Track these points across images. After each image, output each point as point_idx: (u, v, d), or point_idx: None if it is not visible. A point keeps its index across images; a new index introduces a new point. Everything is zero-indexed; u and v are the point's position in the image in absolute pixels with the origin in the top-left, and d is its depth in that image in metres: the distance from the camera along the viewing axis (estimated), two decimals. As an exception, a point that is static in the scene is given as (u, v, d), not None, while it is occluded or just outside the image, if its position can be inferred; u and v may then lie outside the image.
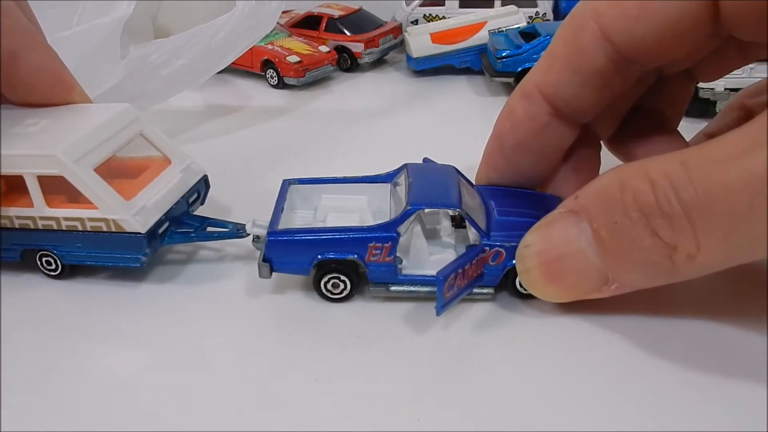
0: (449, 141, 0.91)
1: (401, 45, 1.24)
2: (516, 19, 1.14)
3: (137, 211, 0.57)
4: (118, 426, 0.45)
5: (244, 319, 0.56)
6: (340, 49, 1.19)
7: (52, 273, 0.61)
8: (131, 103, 0.64)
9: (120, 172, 0.60)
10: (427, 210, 0.56)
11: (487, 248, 0.54)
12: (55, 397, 0.48)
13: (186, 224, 0.63)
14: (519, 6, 1.17)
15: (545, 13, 1.24)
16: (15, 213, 0.59)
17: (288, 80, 1.11)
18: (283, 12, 1.32)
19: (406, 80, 1.17)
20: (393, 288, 0.56)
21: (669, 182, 0.42)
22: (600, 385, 0.48)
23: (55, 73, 0.63)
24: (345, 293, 0.57)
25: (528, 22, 1.17)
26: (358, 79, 1.18)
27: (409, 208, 0.54)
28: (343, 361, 0.51)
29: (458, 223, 0.60)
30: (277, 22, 1.21)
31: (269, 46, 1.13)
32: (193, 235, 0.62)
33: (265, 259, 0.56)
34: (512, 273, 0.55)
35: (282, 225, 0.58)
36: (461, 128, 0.96)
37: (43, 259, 0.61)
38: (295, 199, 0.63)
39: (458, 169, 0.61)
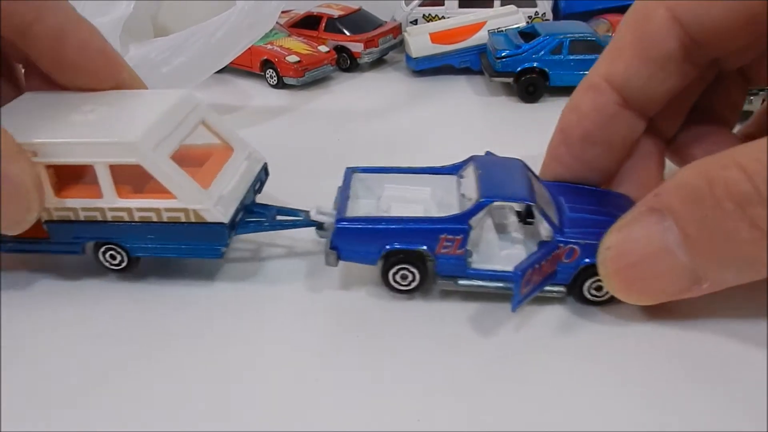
0: (449, 141, 0.91)
1: (401, 45, 1.24)
2: (515, 19, 1.14)
3: (217, 200, 0.55)
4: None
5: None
6: (340, 49, 1.19)
7: (116, 267, 0.59)
8: None
9: (185, 161, 0.56)
10: (495, 204, 0.55)
11: (561, 245, 0.52)
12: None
13: (256, 213, 0.61)
14: (518, 6, 1.18)
15: (545, 13, 1.24)
16: (81, 204, 0.56)
17: (287, 80, 1.11)
18: (283, 12, 1.32)
19: (405, 80, 1.17)
20: (461, 282, 0.54)
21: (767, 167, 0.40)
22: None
23: (104, 50, 0.61)
24: (413, 285, 0.55)
25: (527, 22, 1.17)
26: (358, 79, 1.18)
27: (483, 200, 0.53)
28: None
29: (524, 218, 0.58)
30: (277, 22, 1.21)
31: (269, 46, 1.13)
32: (266, 224, 0.60)
33: (332, 247, 0.55)
34: (584, 274, 0.53)
35: (350, 212, 0.57)
36: (461, 128, 0.96)
37: (107, 253, 0.58)
38: (358, 187, 0.62)
39: (523, 161, 0.60)
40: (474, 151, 0.87)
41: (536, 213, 0.53)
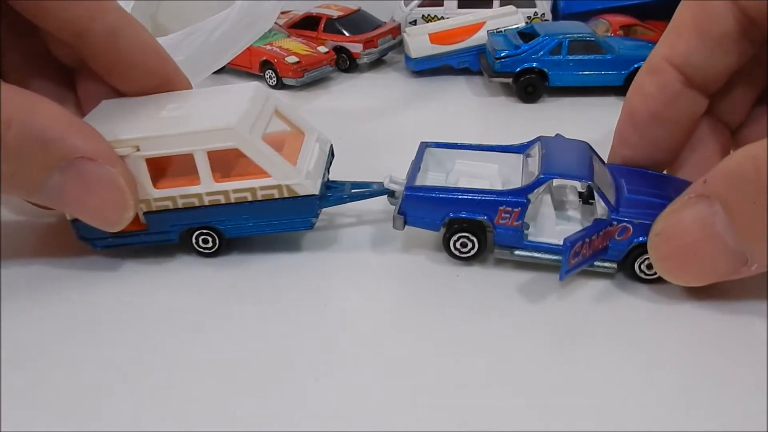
0: (448, 141, 0.91)
1: (400, 45, 1.24)
2: (515, 19, 1.14)
3: (306, 175, 0.59)
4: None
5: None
6: (339, 50, 1.19)
7: (207, 251, 0.62)
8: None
9: (268, 142, 0.60)
10: (556, 183, 0.58)
11: (615, 222, 0.55)
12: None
13: (333, 189, 0.65)
14: (517, 6, 1.18)
15: (544, 14, 1.24)
16: (180, 192, 0.59)
17: (287, 81, 1.11)
18: (282, 12, 1.32)
19: (404, 80, 1.17)
20: (517, 252, 0.58)
21: None
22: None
23: (154, 47, 0.63)
24: (473, 252, 0.59)
25: (526, 23, 1.17)
26: (357, 79, 1.18)
27: (542, 176, 0.56)
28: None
29: (585, 199, 0.62)
30: (276, 23, 1.21)
31: (268, 47, 1.13)
32: (345, 196, 0.64)
33: (400, 212, 0.60)
34: (636, 252, 0.56)
35: (418, 181, 0.61)
36: (460, 128, 0.96)
37: (200, 238, 0.62)
38: (429, 161, 0.66)
39: (589, 144, 0.62)
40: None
41: (595, 192, 0.56)
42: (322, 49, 1.15)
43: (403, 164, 0.83)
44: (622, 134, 0.65)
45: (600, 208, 0.57)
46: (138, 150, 0.56)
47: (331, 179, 0.67)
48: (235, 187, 0.59)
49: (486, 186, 0.62)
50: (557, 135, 0.66)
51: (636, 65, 1.00)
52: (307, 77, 1.11)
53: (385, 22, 1.27)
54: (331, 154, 0.69)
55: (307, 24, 1.25)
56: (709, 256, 0.49)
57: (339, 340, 0.53)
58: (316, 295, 0.58)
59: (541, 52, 1.02)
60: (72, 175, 0.53)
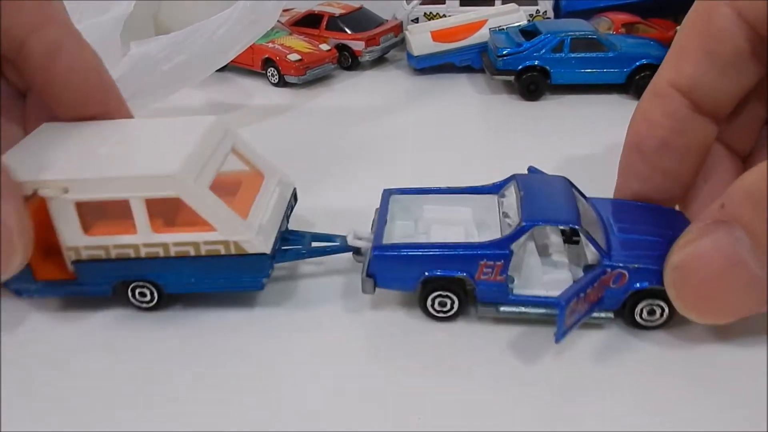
0: (450, 139, 0.92)
1: (402, 43, 1.24)
2: (517, 17, 1.14)
3: (257, 231, 0.53)
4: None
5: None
6: (341, 48, 1.19)
7: (145, 305, 0.56)
8: (132, 99, 0.63)
9: (218, 190, 0.54)
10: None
11: (609, 269, 0.50)
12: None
13: (291, 240, 0.59)
14: (519, 4, 1.17)
15: (546, 11, 1.24)
16: (113, 242, 0.53)
17: (289, 78, 1.11)
18: (284, 10, 1.32)
19: (406, 78, 1.17)
20: (503, 308, 0.53)
21: None
22: None
23: (97, 73, 0.58)
24: (452, 312, 0.54)
25: (529, 20, 1.17)
26: (359, 77, 1.18)
27: (524, 224, 0.51)
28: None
29: (569, 237, 0.56)
30: (278, 21, 1.21)
31: (270, 45, 1.13)
32: (303, 252, 0.59)
33: (368, 274, 0.54)
34: (633, 299, 0.51)
35: (386, 238, 0.55)
36: (462, 126, 0.96)
37: (137, 291, 0.55)
38: (395, 209, 0.60)
39: (568, 178, 0.58)
40: (473, 149, 0.88)
41: (582, 237, 0.51)
42: (324, 46, 1.16)
43: (404, 164, 0.83)
44: (630, 166, 0.59)
45: (590, 253, 0.52)
46: (66, 192, 0.50)
47: (291, 228, 0.61)
48: (176, 240, 0.52)
49: (460, 233, 0.57)
50: (531, 169, 0.62)
51: (638, 63, 1.01)
52: (309, 75, 1.11)
53: (387, 20, 1.27)
54: (294, 198, 0.63)
55: (309, 22, 1.25)
56: (738, 288, 0.44)
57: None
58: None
59: (543, 50, 1.02)
60: None
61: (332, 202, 0.72)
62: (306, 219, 0.68)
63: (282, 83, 1.12)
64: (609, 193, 0.69)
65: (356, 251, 0.58)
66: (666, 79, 0.55)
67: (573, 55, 1.02)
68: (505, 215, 0.56)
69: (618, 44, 1.02)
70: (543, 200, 0.54)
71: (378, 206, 0.60)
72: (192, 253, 0.53)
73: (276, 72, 1.12)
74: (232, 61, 0.97)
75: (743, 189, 0.44)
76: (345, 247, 0.59)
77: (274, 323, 0.55)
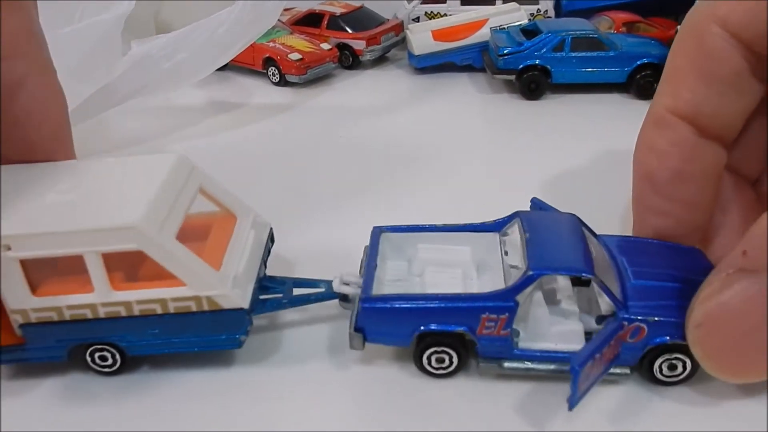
0: (451, 138, 0.91)
1: (403, 42, 1.23)
2: (518, 16, 1.14)
3: (233, 283, 0.48)
4: None
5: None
6: (342, 47, 1.19)
7: (107, 369, 0.50)
8: (133, 96, 0.62)
9: (185, 236, 0.48)
10: None
11: (626, 323, 0.45)
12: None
13: (271, 288, 0.54)
14: (520, 3, 1.17)
15: (546, 11, 1.24)
16: (67, 302, 0.47)
17: (290, 78, 1.11)
18: (285, 9, 1.32)
19: (407, 78, 1.17)
20: (507, 365, 0.48)
21: None
22: None
23: (56, 117, 0.52)
24: (451, 369, 0.49)
25: (529, 19, 1.17)
26: (360, 76, 1.18)
27: (531, 273, 0.46)
28: None
29: (577, 279, 0.51)
30: (279, 20, 1.21)
31: (271, 44, 1.13)
32: (284, 301, 0.53)
33: (357, 329, 0.48)
34: (652, 354, 0.47)
35: (377, 284, 0.50)
36: (463, 125, 0.96)
37: (96, 354, 0.49)
38: (386, 248, 0.55)
39: (577, 216, 0.53)
40: (473, 150, 0.88)
41: (595, 286, 0.47)
42: (325, 46, 1.16)
43: (404, 163, 0.83)
44: (645, 202, 0.56)
45: (603, 303, 0.48)
46: (9, 249, 0.44)
47: (269, 275, 0.55)
48: (140, 298, 0.46)
49: (458, 276, 0.52)
50: (535, 201, 0.58)
51: (639, 62, 1.00)
52: (310, 74, 1.11)
53: (388, 19, 1.27)
54: (271, 240, 0.57)
55: (310, 21, 1.25)
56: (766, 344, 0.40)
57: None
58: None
59: (544, 49, 1.02)
60: None
61: (331, 202, 0.72)
62: (306, 224, 0.68)
63: (283, 82, 1.12)
64: (610, 194, 0.69)
65: (343, 298, 0.52)
66: (665, 107, 0.53)
67: (574, 54, 1.02)
68: (507, 254, 0.53)
69: (619, 43, 1.02)
70: (551, 244, 0.49)
71: (367, 244, 0.55)
72: (159, 311, 0.47)
73: (277, 71, 1.12)
74: (233, 60, 0.97)
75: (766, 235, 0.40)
76: (330, 294, 0.53)
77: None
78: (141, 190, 0.47)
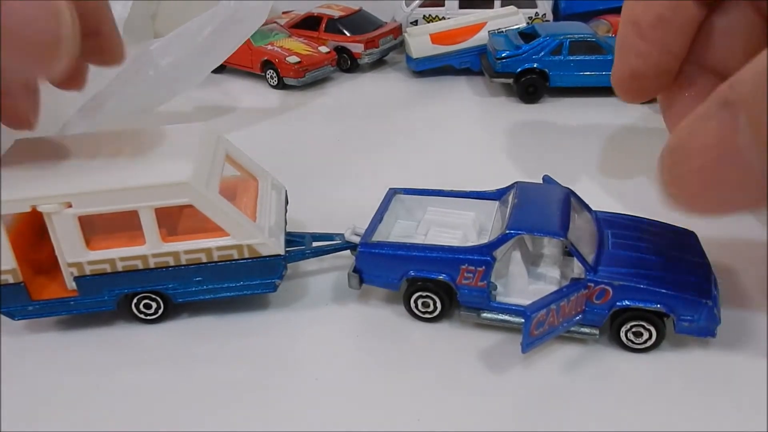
0: (449, 141, 0.91)
1: (401, 46, 1.24)
2: (516, 19, 1.14)
3: (269, 232, 0.53)
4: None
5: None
6: (340, 50, 1.19)
7: (150, 317, 0.55)
8: (127, 106, 0.62)
9: (222, 192, 0.53)
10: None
11: (592, 284, 0.49)
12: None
13: (294, 242, 0.59)
14: (519, 7, 1.18)
15: (545, 14, 1.24)
16: (120, 254, 0.51)
17: (288, 81, 1.11)
18: (283, 12, 1.32)
19: (405, 81, 1.17)
20: (484, 315, 0.53)
21: None
22: None
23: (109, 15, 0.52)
24: (435, 313, 0.54)
25: (528, 23, 1.17)
26: (358, 79, 1.18)
27: (507, 232, 0.51)
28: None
29: (568, 252, 0.55)
30: (277, 23, 1.21)
31: (269, 47, 1.14)
32: (308, 252, 0.59)
33: (355, 270, 0.55)
34: (620, 318, 0.50)
35: (381, 235, 0.56)
36: (461, 129, 0.96)
37: (142, 303, 0.54)
38: (399, 209, 0.61)
39: (573, 191, 0.57)
40: (474, 150, 0.88)
41: (568, 247, 0.51)
42: (324, 49, 1.16)
43: (402, 166, 0.83)
44: (627, 43, 0.59)
45: (577, 267, 0.51)
46: (70, 207, 0.48)
47: (291, 231, 0.60)
48: (188, 248, 0.51)
49: (458, 237, 0.57)
50: (546, 178, 0.61)
51: (637, 66, 1.00)
52: (308, 77, 1.11)
53: (386, 23, 1.27)
54: (286, 200, 0.63)
55: (308, 24, 1.25)
56: (730, 181, 0.41)
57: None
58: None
59: (542, 53, 1.02)
60: None
61: (330, 204, 0.72)
62: (304, 221, 0.68)
63: (281, 85, 1.12)
64: (610, 195, 0.69)
65: (355, 247, 0.58)
66: None
67: (572, 57, 1.02)
68: (501, 222, 0.56)
69: (617, 47, 1.02)
70: (534, 210, 0.53)
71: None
72: (204, 259, 0.52)
73: (275, 74, 1.12)
74: (231, 63, 0.97)
75: (754, 70, 0.39)
76: (346, 245, 0.59)
77: (284, 323, 0.56)
78: (184, 152, 0.51)
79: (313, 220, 0.68)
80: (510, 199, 0.56)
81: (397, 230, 0.60)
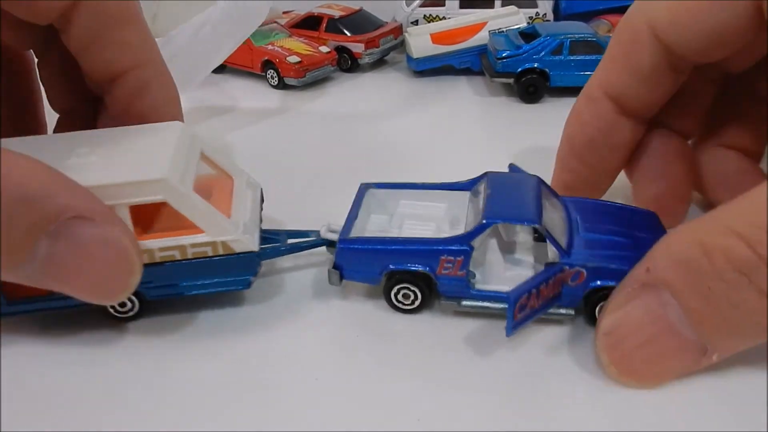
0: (449, 141, 0.91)
1: (401, 45, 1.24)
2: (516, 19, 1.14)
3: (243, 229, 0.53)
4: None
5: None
6: (341, 50, 1.19)
7: (124, 315, 0.55)
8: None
9: (197, 193, 0.54)
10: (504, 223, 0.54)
11: (567, 267, 0.51)
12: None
13: (269, 239, 0.59)
14: (519, 6, 1.18)
15: (545, 14, 1.24)
16: None
17: (288, 81, 1.11)
18: (284, 12, 1.32)
19: (406, 81, 1.17)
20: (464, 303, 0.54)
21: (766, 232, 0.39)
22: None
23: (174, 109, 0.61)
24: (416, 304, 0.55)
25: (528, 23, 1.17)
26: (359, 79, 1.18)
27: (485, 221, 0.52)
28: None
29: (540, 236, 0.56)
30: (278, 23, 1.21)
31: (270, 47, 1.14)
32: (282, 248, 0.59)
33: (335, 267, 0.56)
34: (593, 297, 0.52)
35: (356, 231, 0.57)
36: (461, 128, 0.96)
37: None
38: (371, 203, 0.62)
39: (541, 178, 0.59)
40: (474, 150, 0.88)
41: (543, 234, 0.52)
42: (324, 49, 1.16)
43: (402, 166, 0.83)
44: (563, 159, 0.66)
45: (552, 252, 0.53)
46: None
47: (266, 228, 0.61)
48: (162, 245, 0.51)
49: (432, 229, 0.58)
50: (512, 167, 0.64)
51: (637, 65, 1.00)
52: (308, 77, 1.11)
53: (387, 22, 1.27)
54: (262, 198, 0.63)
55: (308, 24, 1.25)
56: (668, 353, 0.45)
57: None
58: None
59: (543, 53, 1.02)
60: (66, 240, 0.43)
61: (331, 203, 0.72)
62: (303, 219, 0.68)
63: (281, 85, 1.12)
64: (609, 196, 0.69)
65: (331, 244, 0.58)
66: (597, 83, 0.62)
67: (572, 57, 1.02)
68: (474, 212, 0.57)
69: (617, 47, 1.02)
70: (508, 199, 0.54)
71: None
72: (178, 256, 0.52)
73: (275, 74, 1.12)
74: (231, 63, 0.97)
75: (670, 255, 0.45)
76: (321, 241, 0.59)
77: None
78: (159, 150, 0.52)
79: (312, 218, 0.68)
80: (482, 189, 0.57)
81: (372, 225, 0.60)
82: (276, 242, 0.59)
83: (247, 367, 0.51)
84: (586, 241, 0.53)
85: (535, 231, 0.56)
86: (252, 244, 0.53)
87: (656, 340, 0.45)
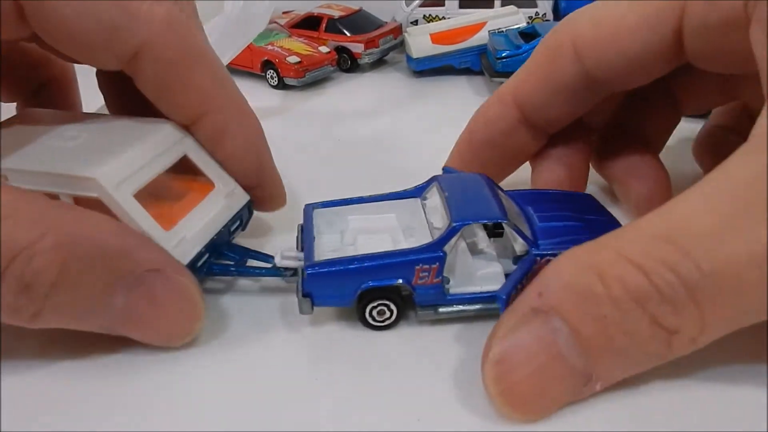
0: (449, 141, 0.91)
1: (401, 45, 1.24)
2: (516, 19, 1.14)
3: (177, 243, 0.52)
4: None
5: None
6: (340, 50, 1.19)
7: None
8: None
9: (163, 194, 0.53)
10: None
11: (539, 258, 0.52)
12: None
13: (226, 255, 0.58)
14: (519, 6, 1.18)
15: (545, 14, 1.24)
16: None
17: (288, 81, 1.11)
18: (284, 12, 1.32)
19: (406, 81, 1.17)
20: (441, 309, 0.53)
21: (662, 263, 0.39)
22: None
23: (256, 152, 0.59)
24: (392, 320, 0.54)
25: (528, 23, 1.17)
26: (358, 79, 1.18)
27: (455, 225, 0.51)
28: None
29: (491, 231, 0.57)
30: (277, 23, 1.21)
31: (269, 47, 1.14)
32: (232, 269, 0.57)
33: (304, 294, 0.52)
34: None
35: (315, 254, 0.54)
36: (461, 128, 0.96)
37: None
38: (319, 223, 0.59)
39: (485, 175, 0.59)
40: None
41: (509, 229, 0.52)
42: (324, 49, 1.16)
43: (403, 165, 0.84)
44: (460, 150, 0.68)
45: (518, 245, 0.54)
46: (7, 180, 0.50)
47: (235, 244, 0.59)
48: None
49: (387, 240, 0.56)
50: (446, 169, 0.64)
51: (637, 65, 1.00)
52: (308, 77, 1.11)
53: (387, 22, 1.27)
54: (249, 211, 0.61)
55: (308, 24, 1.25)
56: (556, 381, 0.43)
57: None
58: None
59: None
60: (141, 293, 0.47)
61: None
62: (300, 219, 0.68)
63: (281, 85, 1.12)
64: (608, 196, 0.69)
65: (285, 271, 0.56)
66: (510, 88, 0.63)
67: (572, 57, 1.02)
68: (433, 218, 0.56)
69: (617, 46, 1.02)
70: (468, 199, 0.54)
71: (301, 222, 0.59)
72: None
73: (275, 74, 1.12)
74: (231, 63, 0.97)
75: (562, 281, 0.43)
76: (275, 272, 0.57)
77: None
78: (122, 147, 0.51)
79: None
80: (435, 193, 0.57)
81: (325, 245, 0.57)
82: (233, 260, 0.57)
83: (247, 367, 0.51)
84: (547, 230, 0.54)
85: (495, 227, 0.57)
86: (181, 258, 0.51)
87: (547, 369, 0.43)
